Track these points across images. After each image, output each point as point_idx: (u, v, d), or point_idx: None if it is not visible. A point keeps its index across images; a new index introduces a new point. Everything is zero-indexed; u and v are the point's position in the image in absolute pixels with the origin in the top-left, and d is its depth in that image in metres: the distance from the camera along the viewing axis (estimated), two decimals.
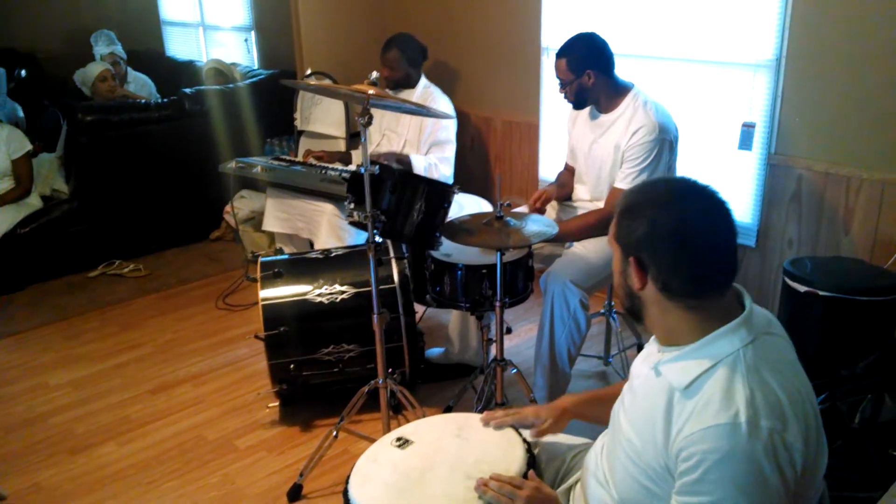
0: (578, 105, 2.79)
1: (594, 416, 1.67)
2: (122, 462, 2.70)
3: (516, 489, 1.43)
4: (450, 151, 3.71)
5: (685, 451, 1.17)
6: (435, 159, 3.64)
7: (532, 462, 1.57)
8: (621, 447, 1.36)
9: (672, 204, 1.26)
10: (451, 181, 3.64)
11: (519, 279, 2.53)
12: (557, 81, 2.74)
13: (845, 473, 1.95)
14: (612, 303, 3.09)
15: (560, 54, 2.70)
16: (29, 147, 4.31)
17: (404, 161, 3.49)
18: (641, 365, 1.40)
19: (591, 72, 2.65)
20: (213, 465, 2.66)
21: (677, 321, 1.27)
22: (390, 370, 2.48)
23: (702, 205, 1.26)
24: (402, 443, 1.66)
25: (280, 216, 3.70)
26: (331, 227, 3.42)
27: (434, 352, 3.22)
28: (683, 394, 1.22)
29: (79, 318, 3.84)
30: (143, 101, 4.67)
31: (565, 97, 2.77)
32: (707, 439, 1.14)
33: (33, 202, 4.30)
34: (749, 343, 1.21)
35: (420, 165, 3.53)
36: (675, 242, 1.23)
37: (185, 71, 5.74)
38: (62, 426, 2.93)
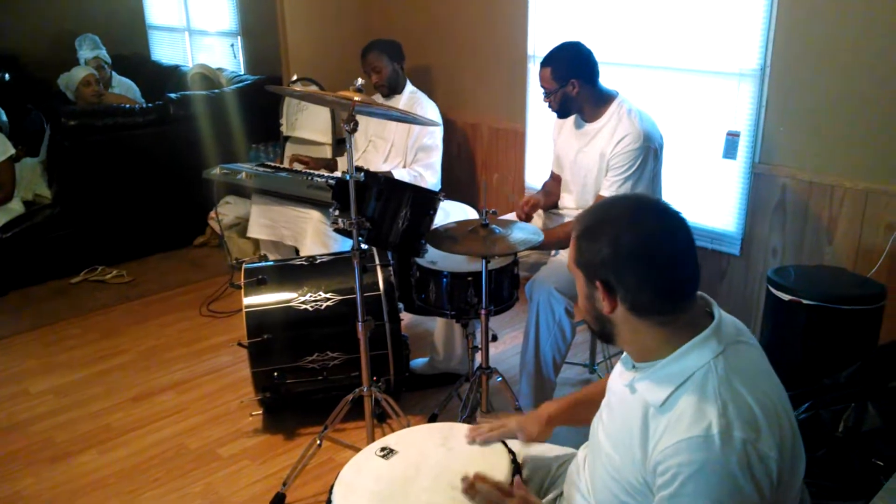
0: (562, 114, 2.79)
1: (578, 420, 1.66)
2: (103, 471, 2.67)
3: (504, 496, 1.42)
4: (435, 157, 3.70)
5: (661, 466, 1.17)
6: (419, 169, 3.63)
7: (517, 472, 1.56)
8: (601, 463, 1.37)
9: (631, 221, 1.25)
10: (438, 188, 3.63)
11: (504, 287, 2.53)
12: (542, 90, 2.74)
13: (828, 482, 1.95)
14: None
15: (545, 63, 2.70)
16: (11, 151, 4.27)
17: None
18: (617, 381, 1.40)
19: (576, 81, 2.66)
20: (195, 473, 2.64)
21: (649, 338, 1.27)
22: (375, 378, 2.47)
23: (659, 219, 1.26)
24: (387, 452, 1.65)
25: (265, 223, 3.69)
26: (316, 234, 3.41)
27: (418, 362, 3.20)
28: (658, 410, 1.22)
29: (61, 324, 3.80)
30: (127, 105, 4.64)
31: (549, 106, 2.76)
32: (681, 452, 1.14)
33: (15, 207, 4.25)
34: (720, 353, 1.22)
35: (404, 179, 3.51)
36: (640, 260, 1.23)
37: (171, 76, 5.71)
38: (43, 434, 2.89)
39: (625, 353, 1.37)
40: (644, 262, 1.23)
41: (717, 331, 1.24)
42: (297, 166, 3.82)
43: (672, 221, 1.26)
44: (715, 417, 1.14)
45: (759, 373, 1.25)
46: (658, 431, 1.20)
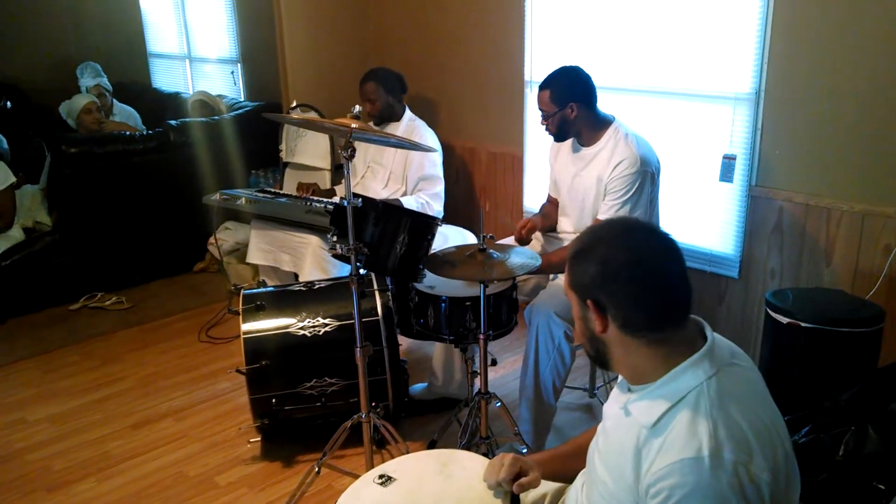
0: (560, 137, 2.80)
1: (567, 470, 1.63)
2: (100, 499, 2.65)
3: None
4: (439, 187, 3.71)
5: (654, 488, 1.17)
6: (426, 197, 3.63)
7: (516, 500, 1.55)
8: (596, 488, 1.36)
9: (618, 240, 1.29)
10: (442, 216, 3.64)
11: (503, 311, 2.53)
12: (540, 113, 2.76)
13: None
14: None
15: (544, 86, 2.71)
16: (12, 179, 4.29)
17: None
18: (612, 405, 1.40)
19: (574, 104, 2.67)
20: (193, 502, 2.62)
21: (642, 359, 1.28)
22: (373, 404, 2.46)
23: (647, 236, 1.29)
24: (385, 480, 1.64)
25: (264, 248, 3.69)
26: (315, 260, 3.41)
27: (416, 388, 3.19)
28: (651, 432, 1.22)
29: (59, 351, 3.79)
30: (128, 133, 4.67)
31: (546, 129, 2.77)
32: (673, 474, 1.14)
33: (15, 234, 4.26)
34: (712, 375, 1.22)
35: (412, 207, 3.52)
36: (628, 276, 1.24)
37: (171, 103, 5.74)
38: (40, 462, 2.88)
39: (620, 377, 1.37)
40: (632, 279, 1.24)
41: (709, 353, 1.25)
42: (304, 193, 3.81)
43: (660, 240, 1.29)
44: (706, 439, 1.14)
45: (752, 395, 1.25)
46: (651, 454, 1.20)
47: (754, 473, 1.13)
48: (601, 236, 1.31)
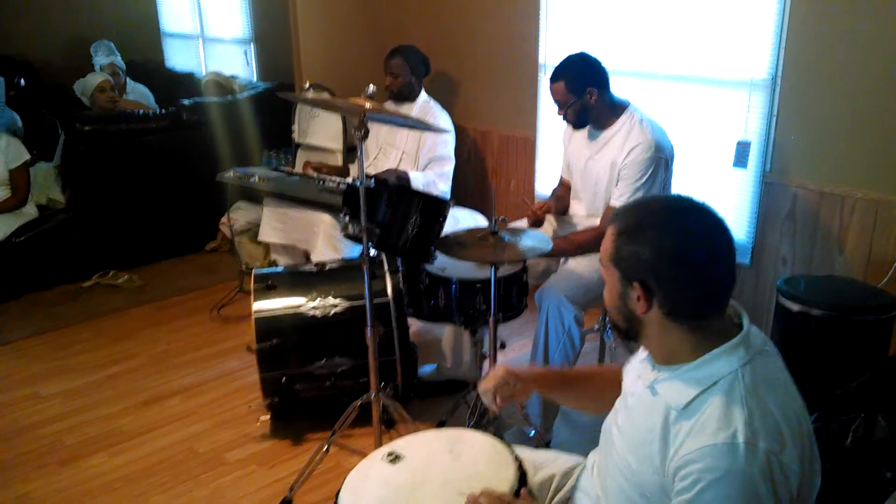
0: (579, 125, 2.77)
1: (559, 397, 1.65)
2: (111, 474, 2.68)
3: None
4: (449, 167, 3.71)
5: (683, 471, 1.16)
6: (434, 175, 3.64)
7: (524, 480, 1.56)
8: (616, 466, 1.35)
9: (674, 225, 1.25)
10: (448, 197, 3.64)
11: (513, 294, 2.53)
12: (555, 104, 2.73)
13: (837, 493, 1.94)
14: (607, 319, 3.08)
15: (556, 77, 2.67)
16: (27, 156, 4.31)
17: (403, 179, 3.48)
18: (636, 382, 1.38)
19: (593, 89, 2.65)
20: (202, 478, 2.65)
21: (678, 341, 1.26)
22: (383, 384, 2.47)
23: (702, 224, 1.26)
24: (394, 458, 1.65)
25: (277, 227, 3.70)
26: (327, 239, 3.42)
27: (426, 369, 3.21)
28: (681, 413, 1.21)
29: (72, 328, 3.82)
30: (141, 111, 4.68)
31: (565, 118, 2.74)
32: (704, 458, 1.14)
33: (29, 211, 4.30)
34: (747, 363, 1.21)
35: (419, 183, 3.53)
36: (682, 265, 1.22)
37: (185, 82, 5.75)
38: (52, 437, 2.91)
39: (646, 354, 1.36)
40: (685, 267, 1.22)
41: (746, 340, 1.24)
42: (311, 172, 3.83)
43: (714, 227, 1.25)
44: (741, 426, 1.13)
45: (782, 384, 1.24)
46: (680, 436, 1.19)
47: (785, 463, 1.13)
48: (654, 218, 1.27)
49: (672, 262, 1.22)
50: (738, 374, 1.20)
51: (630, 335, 1.33)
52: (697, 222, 1.26)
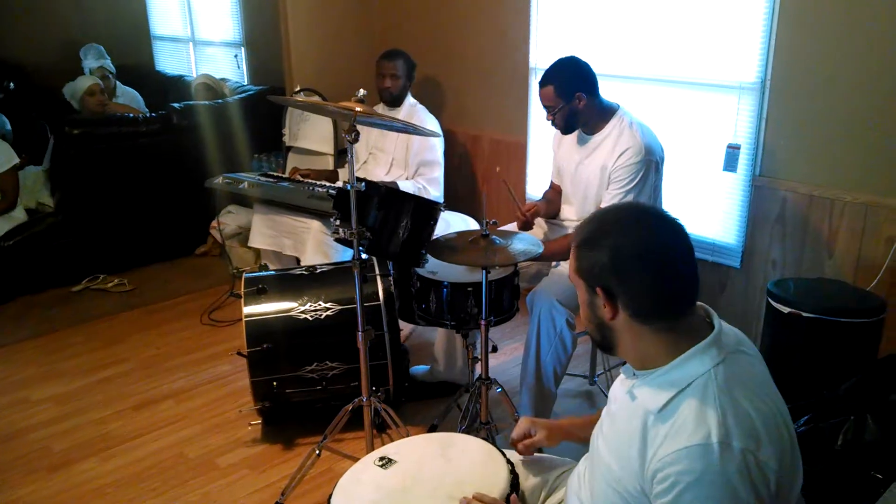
0: (568, 130, 2.76)
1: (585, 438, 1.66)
2: (101, 479, 2.67)
3: None
4: (438, 172, 3.72)
5: (660, 474, 1.17)
6: (423, 182, 3.64)
7: (515, 484, 1.56)
8: (600, 472, 1.36)
9: (630, 228, 1.27)
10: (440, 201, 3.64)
11: (504, 297, 2.53)
12: (544, 109, 2.73)
13: (827, 495, 1.95)
14: None
15: (546, 81, 2.67)
16: (16, 160, 4.29)
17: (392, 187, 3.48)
18: (618, 389, 1.40)
19: (581, 94, 2.65)
20: (193, 483, 2.64)
21: (649, 345, 1.28)
22: (374, 388, 2.47)
23: (657, 224, 1.28)
24: (385, 462, 1.65)
25: (267, 232, 3.70)
26: (317, 244, 3.42)
27: (419, 369, 3.21)
28: (658, 417, 1.22)
29: (62, 332, 3.80)
30: (131, 115, 4.66)
31: (553, 123, 2.73)
32: (680, 461, 1.15)
33: (18, 215, 4.27)
34: (720, 362, 1.22)
35: (409, 191, 3.52)
36: (639, 265, 1.24)
37: (175, 86, 5.74)
38: (42, 442, 2.89)
39: (626, 363, 1.38)
40: (644, 267, 1.24)
41: (717, 340, 1.25)
42: (299, 178, 3.83)
43: (670, 226, 1.28)
44: (714, 426, 1.14)
45: (759, 383, 1.26)
46: (657, 439, 1.20)
47: (762, 461, 1.14)
48: (609, 222, 1.30)
49: (630, 262, 1.24)
50: (711, 375, 1.21)
51: (605, 346, 1.36)
52: (653, 224, 1.28)
